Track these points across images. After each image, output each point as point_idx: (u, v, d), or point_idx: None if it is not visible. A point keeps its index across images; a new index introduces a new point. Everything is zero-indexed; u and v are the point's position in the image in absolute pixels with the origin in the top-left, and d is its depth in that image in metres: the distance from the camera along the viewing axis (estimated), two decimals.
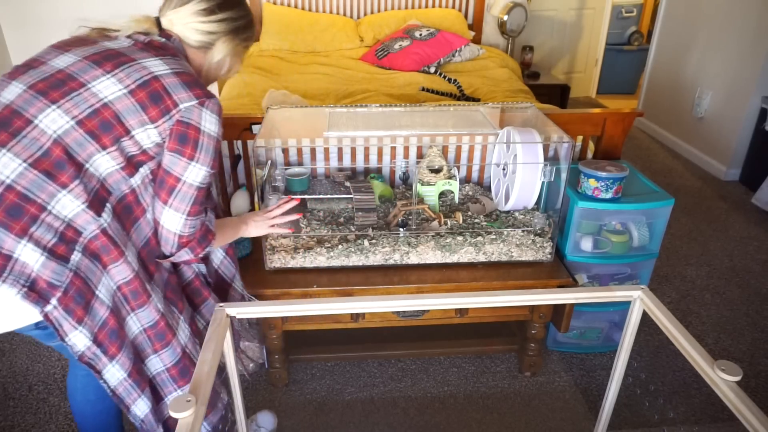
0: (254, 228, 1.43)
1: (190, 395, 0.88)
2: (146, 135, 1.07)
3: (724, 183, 3.47)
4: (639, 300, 1.23)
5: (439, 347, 2.00)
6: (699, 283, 2.48)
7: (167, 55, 1.13)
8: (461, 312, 1.80)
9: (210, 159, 1.13)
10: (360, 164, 2.03)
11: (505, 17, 3.83)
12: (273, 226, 1.47)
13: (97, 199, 1.05)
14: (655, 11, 4.93)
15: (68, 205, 1.02)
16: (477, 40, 3.91)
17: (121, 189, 1.09)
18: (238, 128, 1.88)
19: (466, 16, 3.90)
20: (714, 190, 3.37)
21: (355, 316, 1.78)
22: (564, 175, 1.67)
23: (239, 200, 1.95)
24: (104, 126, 1.04)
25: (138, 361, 1.18)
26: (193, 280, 1.33)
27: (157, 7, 1.23)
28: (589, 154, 2.08)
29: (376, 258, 1.69)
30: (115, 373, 1.12)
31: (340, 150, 1.99)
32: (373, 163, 2.02)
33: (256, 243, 1.80)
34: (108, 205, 1.07)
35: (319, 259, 1.68)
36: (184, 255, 1.18)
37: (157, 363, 1.21)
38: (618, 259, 1.86)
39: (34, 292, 0.99)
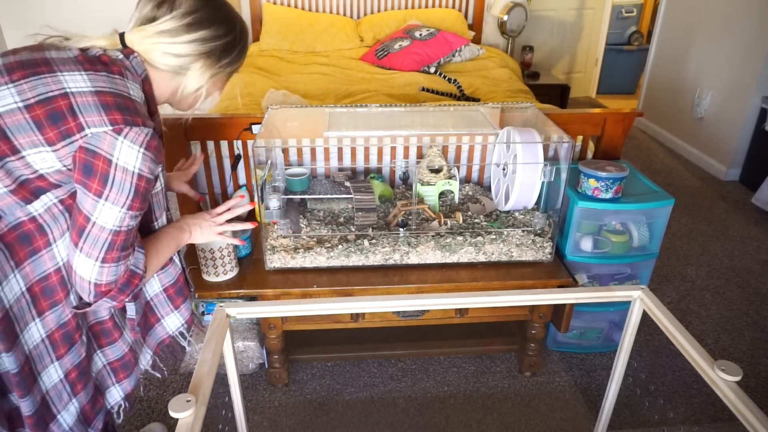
0: (199, 235, 1.23)
1: (190, 395, 0.88)
2: (40, 158, 0.91)
3: (724, 183, 3.47)
4: (639, 300, 1.23)
5: (439, 347, 2.00)
6: (699, 283, 2.48)
7: (105, 72, 0.95)
8: (461, 312, 1.80)
9: (126, 198, 0.93)
10: (360, 164, 2.03)
11: (505, 17, 3.83)
12: (221, 234, 1.28)
13: None
14: (655, 11, 4.93)
15: None
16: (477, 40, 3.91)
17: (16, 215, 0.94)
18: (238, 128, 1.89)
19: (466, 16, 3.90)
20: (714, 190, 3.37)
21: (355, 316, 1.78)
22: (564, 175, 1.67)
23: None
24: None
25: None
26: (106, 320, 1.13)
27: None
28: (589, 154, 2.08)
29: (376, 258, 1.69)
30: None
31: (340, 150, 1.99)
32: (373, 163, 2.02)
33: (256, 243, 1.80)
34: None
35: (319, 259, 1.68)
36: (105, 304, 1.00)
37: (25, 407, 1.02)
38: (618, 259, 1.86)
39: None
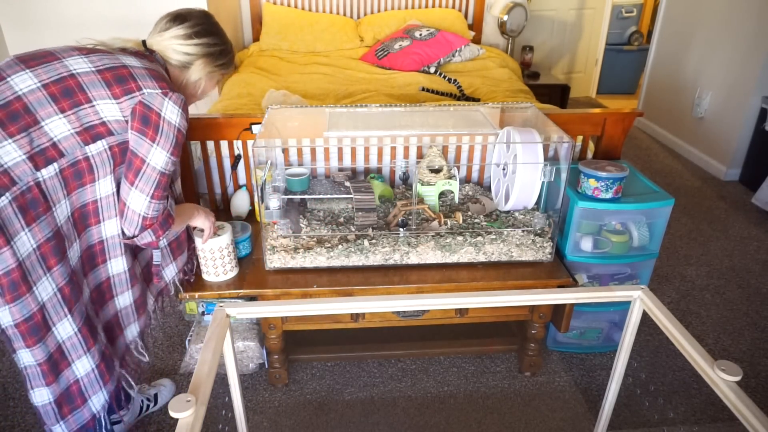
0: (203, 215, 1.52)
1: (190, 395, 0.88)
2: (107, 108, 1.19)
3: (724, 183, 3.47)
4: (639, 300, 1.23)
5: (439, 347, 2.00)
6: (699, 283, 2.48)
7: (146, 59, 1.29)
8: (461, 312, 1.80)
9: (170, 146, 1.24)
10: (360, 164, 2.03)
11: (505, 17, 3.83)
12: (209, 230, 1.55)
13: (42, 156, 1.15)
14: (655, 11, 4.93)
15: (10, 153, 1.12)
16: (477, 40, 3.91)
17: (75, 154, 1.19)
18: (238, 128, 1.88)
19: (466, 16, 3.90)
20: (714, 190, 3.37)
21: (355, 316, 1.78)
22: (564, 175, 1.67)
23: (239, 200, 1.96)
24: (66, 92, 1.16)
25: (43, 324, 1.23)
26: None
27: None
28: (589, 154, 2.08)
29: (376, 258, 1.69)
30: (29, 358, 1.22)
31: (340, 150, 1.99)
32: (373, 163, 2.02)
33: (257, 243, 1.80)
34: (54, 164, 1.17)
35: (319, 259, 1.68)
36: (147, 237, 1.27)
37: (68, 327, 1.26)
38: (618, 259, 1.86)
39: None
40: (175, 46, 1.34)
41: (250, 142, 1.92)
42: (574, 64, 5.08)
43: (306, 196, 1.86)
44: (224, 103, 2.60)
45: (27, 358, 1.23)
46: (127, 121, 1.22)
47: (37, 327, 1.20)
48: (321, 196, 1.87)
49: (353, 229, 1.76)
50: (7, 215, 1.11)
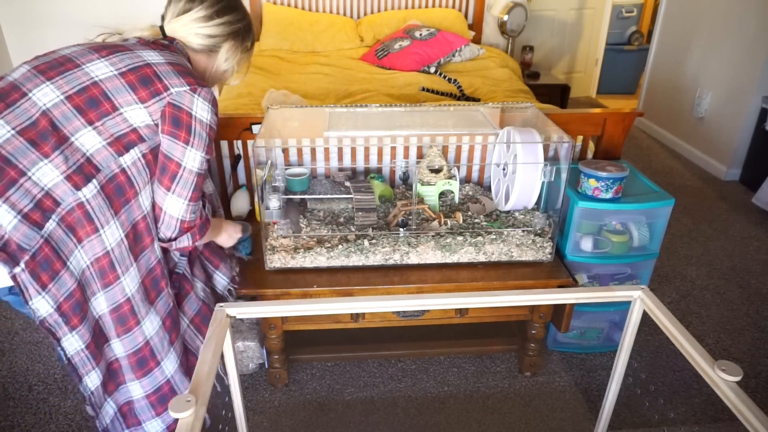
0: (227, 238, 1.50)
1: (189, 395, 0.88)
2: (135, 114, 1.13)
3: (724, 183, 3.47)
4: (639, 300, 1.23)
5: (439, 347, 2.00)
6: (699, 283, 2.48)
7: (167, 51, 1.20)
8: (461, 312, 1.80)
9: (204, 144, 1.18)
10: (360, 164, 2.03)
11: (505, 17, 3.83)
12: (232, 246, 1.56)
13: (80, 173, 1.09)
14: (655, 11, 4.93)
15: (48, 174, 1.06)
16: (477, 40, 3.91)
17: (111, 168, 1.13)
18: (238, 128, 1.88)
19: (466, 16, 3.90)
20: (714, 190, 3.37)
21: (355, 316, 1.78)
22: (564, 175, 1.67)
23: (239, 200, 1.95)
24: (91, 102, 1.10)
25: (98, 336, 1.21)
26: (175, 270, 1.37)
27: (155, 9, 1.32)
28: (589, 154, 2.08)
29: (376, 258, 1.69)
30: (73, 343, 1.16)
31: (340, 150, 1.99)
32: (373, 163, 2.02)
33: (256, 243, 1.80)
34: (94, 181, 1.10)
35: (319, 259, 1.68)
36: (185, 241, 1.23)
37: (118, 348, 1.23)
38: (618, 259, 1.86)
39: (5, 252, 1.03)
40: (197, 30, 1.26)
41: (250, 142, 1.92)
42: (574, 64, 5.08)
43: (306, 196, 1.86)
44: (224, 103, 2.60)
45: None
46: (157, 125, 1.15)
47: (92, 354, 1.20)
48: (321, 196, 1.87)
49: (353, 229, 1.76)
50: (59, 236, 1.08)
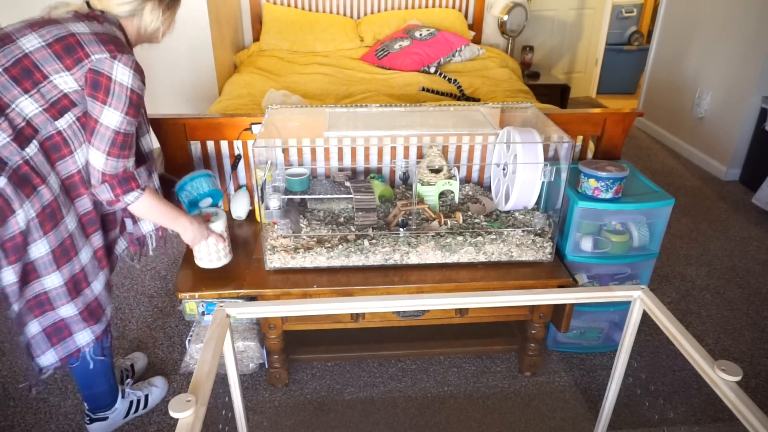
0: (192, 231, 1.54)
1: (190, 395, 0.88)
2: (63, 81, 1.25)
3: (724, 183, 3.47)
4: (639, 300, 1.23)
5: (439, 347, 2.00)
6: (699, 283, 2.48)
7: (95, 21, 1.32)
8: (461, 312, 1.80)
9: (123, 105, 1.28)
10: (360, 164, 2.03)
11: (505, 17, 3.83)
12: (205, 241, 1.60)
13: (22, 135, 1.24)
14: (655, 11, 4.93)
15: None
16: (477, 40, 3.91)
17: (48, 129, 1.27)
18: (238, 128, 1.88)
19: (466, 16, 3.90)
20: (714, 190, 3.37)
21: (355, 316, 1.78)
22: (564, 175, 1.67)
23: (239, 200, 1.96)
24: (25, 72, 1.23)
25: (30, 278, 1.34)
26: (109, 214, 1.51)
27: None
28: (589, 154, 2.08)
29: (376, 258, 1.69)
30: (8, 276, 1.30)
31: (340, 150, 1.99)
32: (373, 163, 2.02)
33: (256, 243, 1.80)
34: (34, 141, 1.26)
35: (319, 259, 1.68)
36: (105, 191, 1.33)
37: (56, 279, 1.36)
38: (618, 259, 1.86)
39: None
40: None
41: (250, 142, 1.92)
42: (574, 64, 5.08)
43: (306, 196, 1.86)
44: (224, 103, 2.60)
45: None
46: (83, 89, 1.27)
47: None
48: (321, 196, 1.87)
49: (353, 229, 1.76)
50: (8, 194, 1.21)
